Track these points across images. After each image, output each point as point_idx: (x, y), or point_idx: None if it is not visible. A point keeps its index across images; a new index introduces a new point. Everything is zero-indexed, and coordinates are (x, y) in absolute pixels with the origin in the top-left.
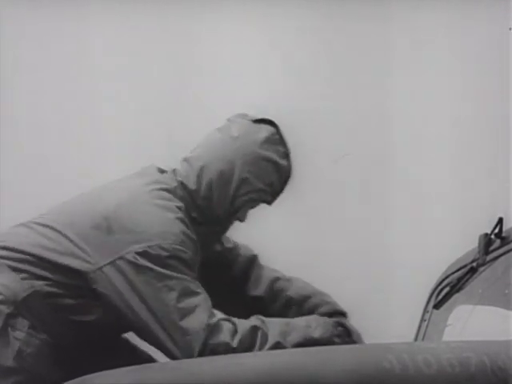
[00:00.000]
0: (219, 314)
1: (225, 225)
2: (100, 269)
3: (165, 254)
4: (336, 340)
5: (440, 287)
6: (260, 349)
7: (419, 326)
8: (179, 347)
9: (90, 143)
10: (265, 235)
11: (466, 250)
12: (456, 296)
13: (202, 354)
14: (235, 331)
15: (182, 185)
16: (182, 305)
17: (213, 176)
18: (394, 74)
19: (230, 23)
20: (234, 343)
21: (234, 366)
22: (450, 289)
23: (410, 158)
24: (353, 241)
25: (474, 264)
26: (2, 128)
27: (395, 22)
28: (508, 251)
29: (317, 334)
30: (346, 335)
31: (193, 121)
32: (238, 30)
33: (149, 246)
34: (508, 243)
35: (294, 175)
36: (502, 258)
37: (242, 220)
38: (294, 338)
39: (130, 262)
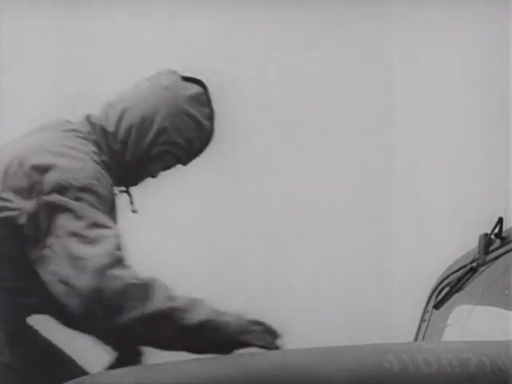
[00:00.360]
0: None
1: (136, 176)
2: (25, 212)
3: (78, 185)
4: (251, 338)
5: (440, 287)
6: (157, 300)
7: (419, 326)
8: (76, 273)
9: None
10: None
11: (465, 250)
12: (456, 296)
13: (97, 281)
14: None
15: (100, 127)
16: (87, 233)
17: (134, 120)
18: (393, 75)
19: None
20: (132, 281)
21: (233, 366)
22: (449, 289)
23: (410, 157)
24: (353, 241)
25: (474, 264)
26: None
27: (395, 21)
28: (508, 251)
29: (228, 317)
30: (263, 332)
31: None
32: None
33: (62, 179)
34: (508, 243)
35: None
36: (502, 258)
37: (154, 176)
38: (203, 310)
39: (45, 199)
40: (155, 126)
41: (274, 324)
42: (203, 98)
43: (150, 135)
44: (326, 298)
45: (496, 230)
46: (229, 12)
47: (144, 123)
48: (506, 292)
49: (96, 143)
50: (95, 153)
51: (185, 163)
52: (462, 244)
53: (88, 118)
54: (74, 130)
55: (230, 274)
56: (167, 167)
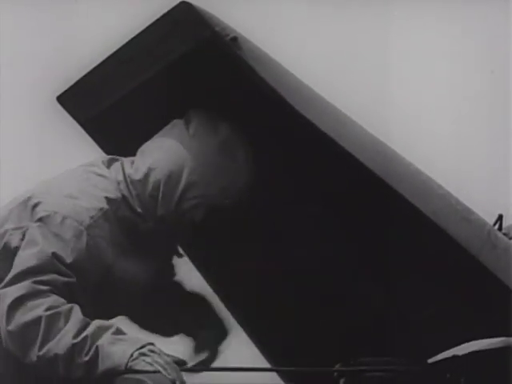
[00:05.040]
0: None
1: (175, 228)
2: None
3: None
4: None
5: None
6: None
7: None
8: None
9: None
10: None
11: None
12: None
13: None
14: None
15: (130, 179)
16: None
17: (161, 177)
18: (392, 75)
19: None
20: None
21: None
22: None
23: (410, 156)
24: None
25: None
26: None
27: (394, 20)
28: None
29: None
30: None
31: None
32: None
33: (54, 212)
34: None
35: None
36: None
37: (197, 222)
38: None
39: (35, 227)
40: (183, 181)
41: None
42: (234, 140)
43: (179, 190)
44: None
45: (496, 227)
46: None
47: (171, 178)
48: None
49: (126, 192)
50: (113, 202)
51: (228, 206)
52: None
53: (122, 165)
54: (104, 176)
55: None
56: (207, 217)
